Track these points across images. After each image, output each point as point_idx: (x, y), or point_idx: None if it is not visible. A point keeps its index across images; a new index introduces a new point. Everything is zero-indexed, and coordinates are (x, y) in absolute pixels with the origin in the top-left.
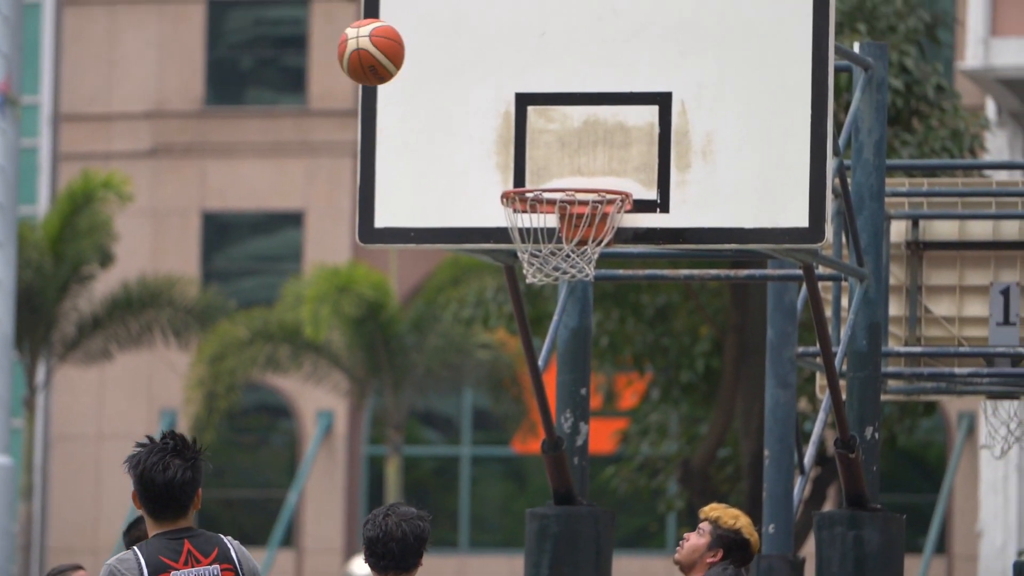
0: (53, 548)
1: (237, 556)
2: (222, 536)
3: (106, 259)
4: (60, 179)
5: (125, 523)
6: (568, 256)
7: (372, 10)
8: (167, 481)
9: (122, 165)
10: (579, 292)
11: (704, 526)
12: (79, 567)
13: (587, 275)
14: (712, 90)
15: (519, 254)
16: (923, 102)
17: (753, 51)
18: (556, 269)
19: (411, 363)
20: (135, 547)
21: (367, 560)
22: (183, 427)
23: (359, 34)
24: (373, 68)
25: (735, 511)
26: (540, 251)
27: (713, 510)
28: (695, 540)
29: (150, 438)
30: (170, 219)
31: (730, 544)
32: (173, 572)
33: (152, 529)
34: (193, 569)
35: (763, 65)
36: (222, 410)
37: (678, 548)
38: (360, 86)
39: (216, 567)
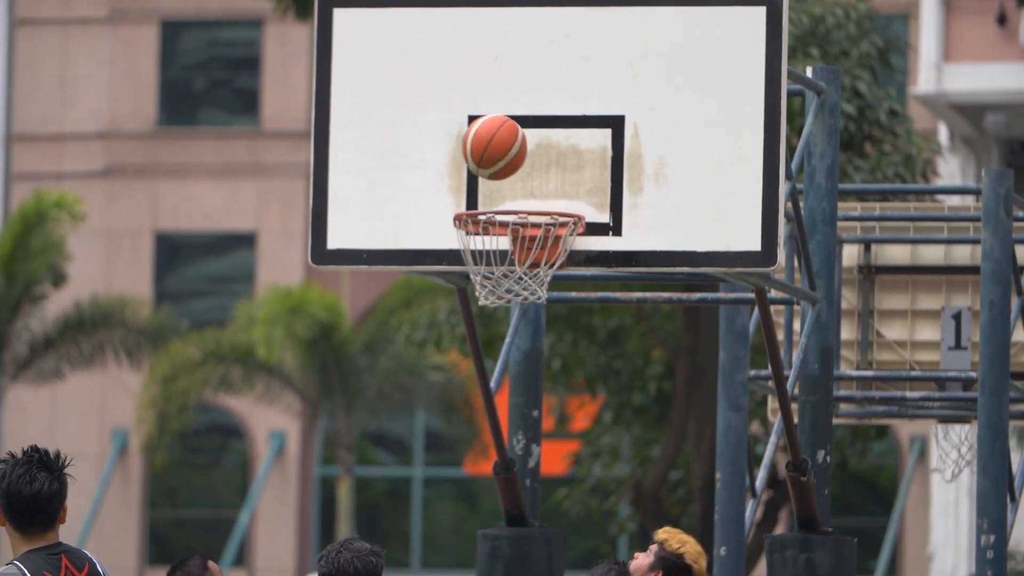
0: None
1: (103, 571)
2: (84, 550)
3: (58, 279)
4: (12, 199)
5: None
6: (521, 279)
7: (325, 36)
8: (34, 494)
9: (75, 185)
10: (531, 314)
11: (652, 547)
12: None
13: (540, 297)
14: (665, 114)
15: (472, 276)
16: (876, 127)
17: (706, 75)
18: (508, 291)
19: (363, 384)
20: (16, 562)
21: None
22: (135, 447)
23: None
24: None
25: (685, 537)
26: (493, 273)
27: (664, 532)
28: (640, 560)
29: (11, 453)
30: (123, 239)
31: (671, 567)
32: None
33: (21, 545)
34: None
35: (716, 89)
36: (174, 430)
37: None
38: (313, 106)
39: None
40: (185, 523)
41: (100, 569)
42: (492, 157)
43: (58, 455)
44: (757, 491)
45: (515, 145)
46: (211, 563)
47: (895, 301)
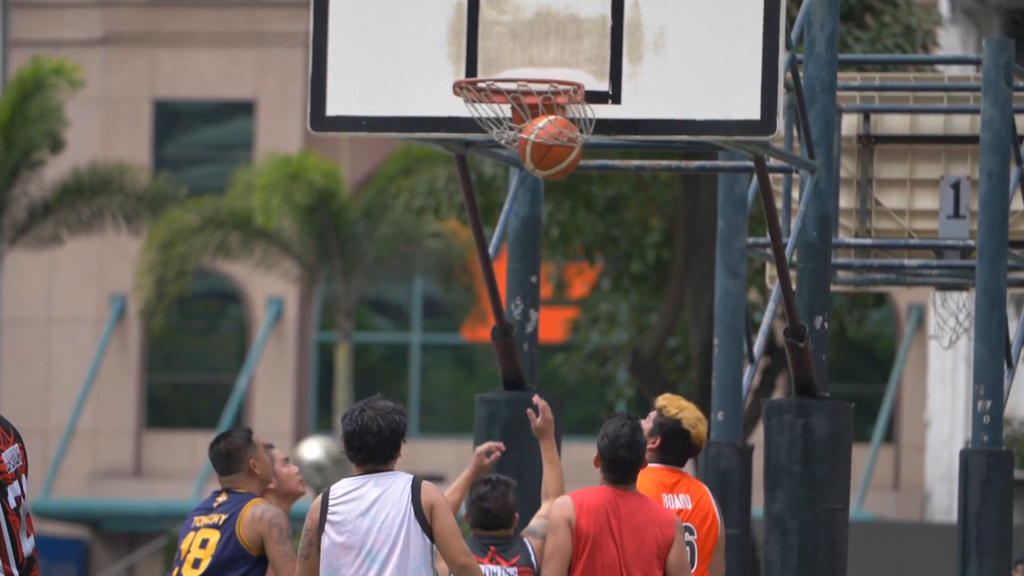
0: None
1: (21, 438)
2: (5, 418)
3: (57, 145)
4: (11, 66)
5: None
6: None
7: None
8: None
9: (73, 53)
10: (530, 182)
11: (651, 413)
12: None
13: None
14: None
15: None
16: None
17: None
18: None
19: (361, 251)
20: None
21: (346, 453)
22: (133, 312)
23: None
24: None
25: (684, 403)
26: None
27: (663, 399)
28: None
29: None
30: (121, 107)
31: (668, 432)
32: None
33: None
34: (7, 450)
35: None
36: (172, 296)
37: None
38: None
39: (15, 447)
40: (183, 388)
41: (19, 434)
42: (549, 164)
43: None
44: (755, 357)
45: (571, 156)
46: (255, 437)
47: (894, 170)
